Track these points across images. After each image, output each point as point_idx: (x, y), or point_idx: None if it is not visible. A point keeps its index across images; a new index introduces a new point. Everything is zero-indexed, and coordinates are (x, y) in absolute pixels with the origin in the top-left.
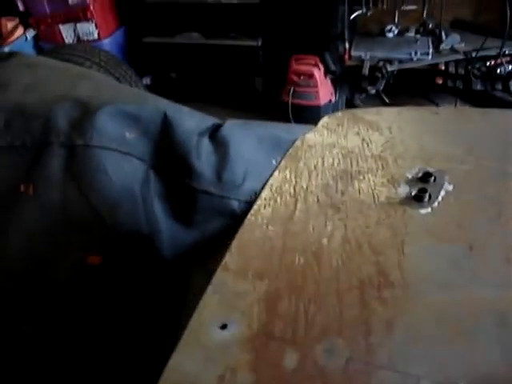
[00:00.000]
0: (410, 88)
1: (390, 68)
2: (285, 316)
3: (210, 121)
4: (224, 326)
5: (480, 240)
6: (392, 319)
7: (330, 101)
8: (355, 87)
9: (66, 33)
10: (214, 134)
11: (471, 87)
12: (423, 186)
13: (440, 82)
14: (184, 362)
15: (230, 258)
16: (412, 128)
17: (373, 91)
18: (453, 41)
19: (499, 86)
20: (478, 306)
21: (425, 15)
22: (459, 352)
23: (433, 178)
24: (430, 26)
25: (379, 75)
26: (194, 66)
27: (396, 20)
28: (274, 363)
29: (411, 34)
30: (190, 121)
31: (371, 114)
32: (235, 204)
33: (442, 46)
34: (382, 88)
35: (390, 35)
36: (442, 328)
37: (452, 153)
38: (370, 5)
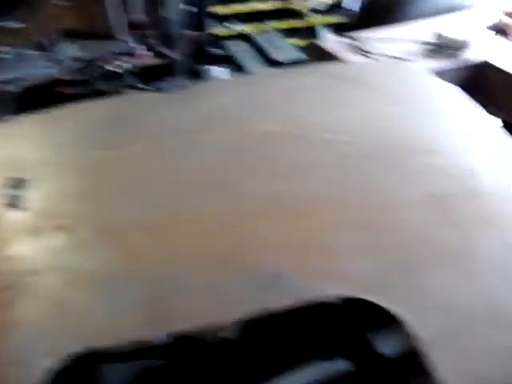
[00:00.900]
0: (37, 103)
1: (13, 89)
2: None
3: None
4: None
5: (71, 219)
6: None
7: None
8: None
9: None
10: None
11: (94, 88)
12: (15, 192)
13: (65, 90)
14: None
15: None
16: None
17: None
18: (68, 50)
19: (119, 82)
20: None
21: (36, 30)
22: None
23: (24, 182)
24: (44, 40)
25: (3, 98)
26: None
27: (8, 40)
28: None
29: (27, 51)
30: None
31: None
32: None
33: (60, 57)
34: (10, 110)
35: (7, 56)
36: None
37: (40, 156)
38: None
